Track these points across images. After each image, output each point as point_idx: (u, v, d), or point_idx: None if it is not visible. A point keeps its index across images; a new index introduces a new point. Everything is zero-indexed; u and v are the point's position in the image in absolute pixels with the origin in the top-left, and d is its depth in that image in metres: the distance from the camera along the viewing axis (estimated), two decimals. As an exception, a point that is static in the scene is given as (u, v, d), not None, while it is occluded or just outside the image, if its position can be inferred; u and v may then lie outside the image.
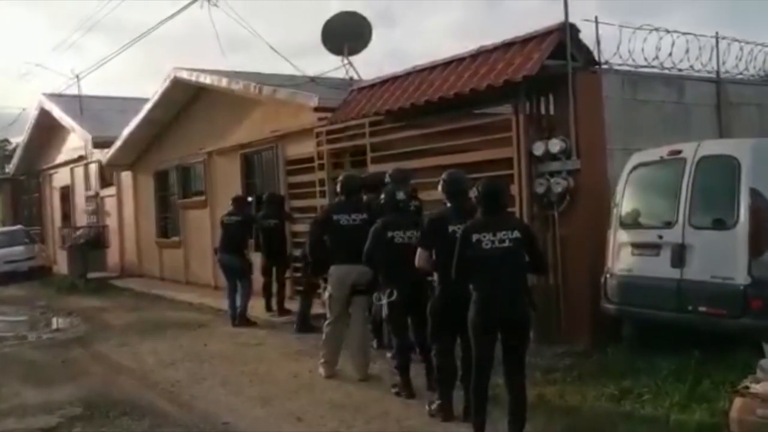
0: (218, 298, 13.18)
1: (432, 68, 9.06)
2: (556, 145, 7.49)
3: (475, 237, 4.91)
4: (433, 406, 5.75)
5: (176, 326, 10.81)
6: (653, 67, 8.11)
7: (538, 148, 7.65)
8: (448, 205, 5.70)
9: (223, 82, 12.92)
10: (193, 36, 47.86)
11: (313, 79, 13.29)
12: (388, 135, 9.67)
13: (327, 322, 7.20)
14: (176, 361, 8.34)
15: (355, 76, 13.86)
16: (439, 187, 5.77)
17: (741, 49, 9.02)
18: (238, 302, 10.28)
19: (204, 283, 15.06)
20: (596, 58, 7.73)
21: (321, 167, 11.04)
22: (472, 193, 5.19)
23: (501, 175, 7.91)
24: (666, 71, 8.26)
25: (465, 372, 5.54)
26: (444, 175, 5.79)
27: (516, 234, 4.93)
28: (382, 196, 6.61)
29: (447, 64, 8.83)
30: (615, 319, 7.07)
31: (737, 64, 9.05)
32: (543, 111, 7.91)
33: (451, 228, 5.43)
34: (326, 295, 7.33)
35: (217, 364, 8.09)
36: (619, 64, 7.85)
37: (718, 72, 8.83)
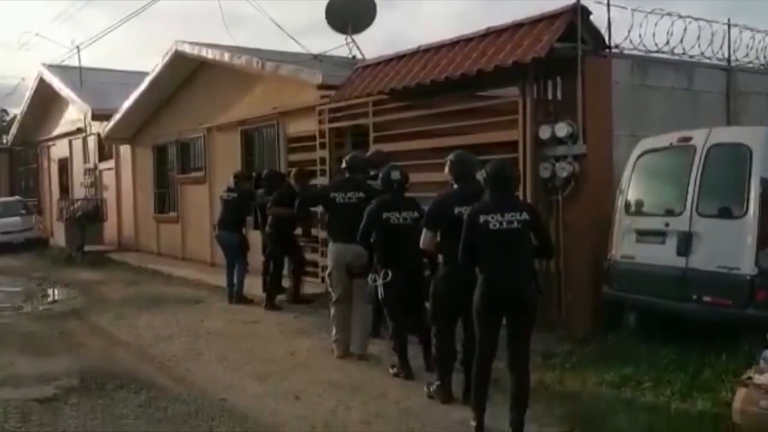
0: (215, 274, 13.13)
1: (438, 48, 8.94)
2: (562, 129, 7.40)
3: (482, 218, 4.85)
4: (432, 388, 5.72)
5: (173, 301, 10.76)
6: (663, 52, 7.99)
7: (545, 132, 7.56)
8: (455, 186, 5.65)
9: (226, 57, 12.78)
10: (193, 14, 47.54)
11: (316, 57, 13.14)
12: (392, 115, 9.57)
13: (332, 301, 7.15)
14: (173, 336, 8.29)
15: (359, 55, 13.76)
16: (446, 168, 5.71)
17: (752, 37, 8.90)
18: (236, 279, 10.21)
19: (201, 259, 14.99)
20: (606, 42, 7.61)
21: (323, 146, 10.94)
22: (480, 175, 5.11)
23: (505, 158, 7.88)
24: (676, 57, 8.14)
25: (466, 355, 5.52)
26: (451, 156, 5.73)
27: (524, 216, 4.88)
28: (380, 175, 6.57)
29: (454, 44, 8.71)
30: (616, 306, 7.03)
31: (748, 53, 8.94)
32: (550, 94, 7.80)
33: (457, 210, 5.38)
34: (327, 273, 7.31)
35: (214, 340, 8.05)
36: (630, 49, 7.74)
37: (728, 60, 8.72)
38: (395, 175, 6.39)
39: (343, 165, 7.33)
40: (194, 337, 8.19)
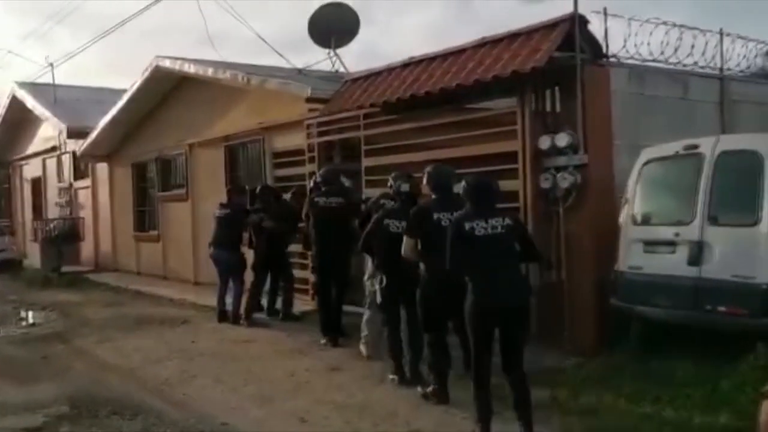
0: (199, 293, 12.90)
1: (431, 59, 8.81)
2: (563, 139, 7.29)
3: (467, 225, 4.94)
4: (428, 389, 5.89)
5: (158, 322, 10.46)
6: (659, 61, 7.93)
7: (544, 142, 7.44)
8: (433, 197, 6.00)
9: (209, 72, 12.55)
10: (167, 31, 47.12)
11: (300, 71, 13.02)
12: (384, 127, 9.41)
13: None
14: (163, 358, 8.00)
15: (342, 69, 13.62)
16: (424, 180, 6.08)
17: (744, 46, 8.89)
18: (228, 300, 9.90)
19: (184, 278, 14.68)
20: (604, 51, 7.53)
21: (311, 160, 10.74)
22: (460, 188, 5.25)
23: (504, 169, 7.77)
24: (671, 66, 8.08)
25: (467, 353, 5.57)
26: (429, 168, 6.11)
27: (507, 221, 4.98)
28: (390, 184, 6.90)
29: (446, 55, 8.59)
30: (622, 319, 6.89)
31: (740, 62, 8.92)
32: (548, 105, 7.71)
33: (435, 216, 5.72)
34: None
35: (207, 361, 7.77)
36: (626, 58, 7.66)
37: (721, 68, 8.70)
38: (404, 187, 6.63)
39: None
40: (186, 359, 7.91)
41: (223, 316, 9.84)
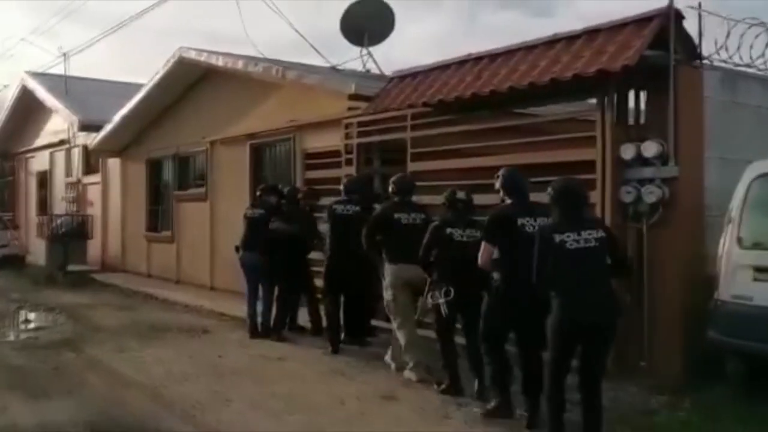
0: (218, 300, 12.15)
1: (493, 56, 8.03)
2: (651, 149, 6.50)
3: (557, 238, 4.63)
4: (490, 406, 5.59)
5: (177, 331, 9.65)
6: (753, 67, 7.16)
7: (628, 151, 6.65)
8: (508, 201, 5.59)
9: (239, 65, 11.77)
10: (184, 32, 46.49)
11: (335, 68, 12.27)
12: (434, 129, 8.59)
13: (397, 325, 6.99)
14: (189, 375, 7.17)
15: (373, 69, 12.87)
16: (497, 183, 5.67)
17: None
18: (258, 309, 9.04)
19: (198, 283, 13.87)
20: (698, 51, 6.75)
21: (349, 162, 9.94)
22: (547, 194, 4.95)
23: (581, 180, 6.98)
24: (763, 73, 7.31)
25: (528, 376, 5.43)
26: (502, 171, 5.72)
27: (600, 233, 4.72)
28: (444, 195, 6.48)
29: (512, 52, 7.81)
30: (714, 353, 6.09)
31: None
32: (633, 109, 6.93)
33: (519, 221, 5.33)
34: (389, 298, 7.05)
35: (240, 380, 6.94)
36: (721, 61, 6.89)
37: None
38: (461, 194, 6.34)
39: (392, 188, 7.24)
40: (215, 377, 7.08)
41: (256, 330, 8.93)
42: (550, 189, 4.91)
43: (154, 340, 9.03)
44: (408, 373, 6.77)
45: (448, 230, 6.14)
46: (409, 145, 8.92)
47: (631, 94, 6.92)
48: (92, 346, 8.75)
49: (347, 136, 9.95)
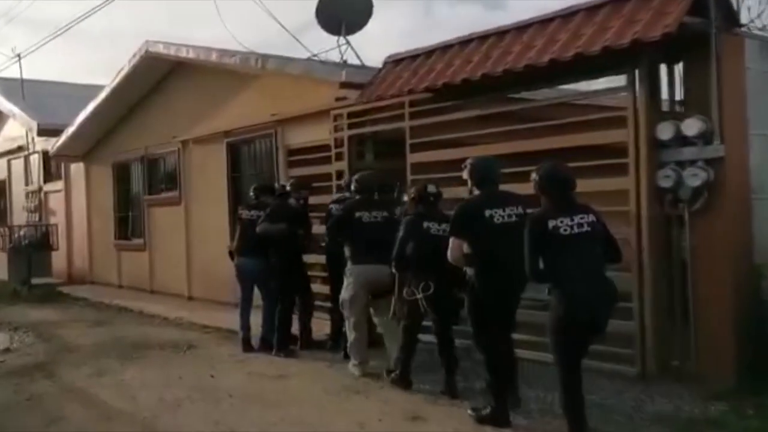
0: (196, 310, 11.35)
1: (501, 33, 7.35)
2: (693, 127, 5.86)
3: (551, 224, 4.39)
4: (485, 412, 5.19)
5: (159, 348, 8.79)
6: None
7: (665, 131, 6.01)
8: (477, 192, 5.33)
9: (213, 56, 10.91)
10: (123, 34, 45.03)
11: (316, 56, 11.46)
12: (437, 116, 7.85)
13: (351, 325, 6.93)
14: (182, 400, 6.35)
15: (351, 60, 12.09)
16: (465, 173, 5.40)
17: None
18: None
19: (175, 292, 12.99)
20: (737, 18, 6.13)
21: (339, 156, 9.18)
22: (533, 179, 4.70)
23: (605, 165, 6.35)
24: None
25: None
26: (470, 160, 5.48)
27: (592, 217, 4.47)
28: (411, 189, 6.44)
29: (524, 27, 7.13)
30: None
31: None
32: (665, 84, 6.30)
33: (487, 213, 5.11)
34: (344, 297, 6.91)
35: (241, 406, 6.14)
36: (760, 29, 6.28)
37: None
38: (431, 188, 6.22)
39: (354, 186, 7.13)
40: (212, 402, 6.26)
41: (249, 344, 8.14)
42: (534, 175, 4.67)
43: (136, 360, 8.17)
44: (353, 368, 6.83)
45: (425, 224, 6.00)
46: (408, 135, 8.19)
47: (665, 69, 6.27)
48: (68, 369, 7.86)
49: (336, 129, 9.19)
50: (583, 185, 6.72)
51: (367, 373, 6.74)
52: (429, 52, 8.10)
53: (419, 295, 5.89)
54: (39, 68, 34.84)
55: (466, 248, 5.16)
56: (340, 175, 9.10)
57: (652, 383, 5.99)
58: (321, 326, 8.29)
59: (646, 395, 5.73)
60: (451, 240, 5.23)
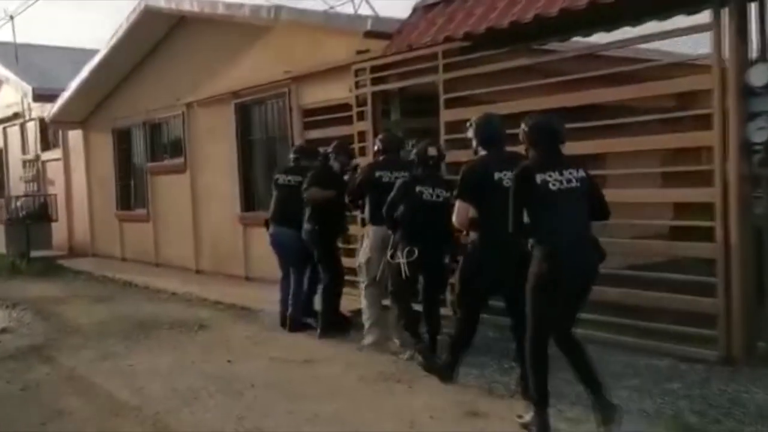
0: (206, 284, 10.64)
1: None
2: (791, 70, 5.00)
3: (539, 178, 4.17)
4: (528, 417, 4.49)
5: (168, 327, 8.05)
6: None
7: (759, 75, 5.14)
8: (483, 152, 5.02)
9: (220, 8, 9.98)
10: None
11: (332, 9, 10.58)
12: (477, 68, 6.99)
13: (365, 284, 6.66)
14: (198, 391, 5.56)
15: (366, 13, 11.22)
16: (470, 132, 5.11)
17: None
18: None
19: (181, 265, 12.25)
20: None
21: (361, 116, 8.32)
22: (521, 131, 4.45)
23: (683, 116, 5.50)
24: None
25: (519, 343, 4.66)
26: (474, 119, 5.16)
27: (581, 173, 4.25)
28: (413, 151, 6.09)
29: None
30: None
31: None
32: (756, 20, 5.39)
33: (497, 175, 4.79)
34: (363, 258, 6.69)
35: (266, 398, 5.33)
36: None
37: None
38: (432, 150, 5.94)
39: (378, 146, 6.72)
40: (232, 393, 5.47)
41: (284, 321, 7.40)
42: (523, 126, 4.41)
43: (143, 342, 7.42)
44: (368, 334, 6.62)
45: (418, 188, 5.79)
46: (442, 89, 7.31)
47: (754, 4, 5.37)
48: (68, 353, 7.09)
49: (358, 85, 8.31)
50: (656, 142, 6.05)
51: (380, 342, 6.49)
52: (465, -5, 7.19)
53: (402, 260, 5.71)
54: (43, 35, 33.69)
55: (472, 212, 4.88)
56: (362, 136, 8.27)
57: (740, 369, 5.22)
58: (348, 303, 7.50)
59: (739, 384, 4.94)
60: (457, 203, 4.94)
